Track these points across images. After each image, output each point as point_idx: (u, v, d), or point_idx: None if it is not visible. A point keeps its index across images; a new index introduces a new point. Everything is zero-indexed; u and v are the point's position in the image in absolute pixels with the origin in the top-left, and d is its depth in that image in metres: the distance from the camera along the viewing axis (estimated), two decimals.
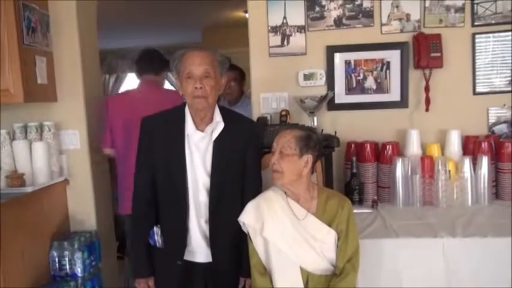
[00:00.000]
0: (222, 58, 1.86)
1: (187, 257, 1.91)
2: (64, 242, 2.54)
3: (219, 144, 1.85)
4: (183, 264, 1.90)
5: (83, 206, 2.77)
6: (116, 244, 3.24)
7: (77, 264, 2.53)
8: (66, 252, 2.52)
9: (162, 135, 1.87)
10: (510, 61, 2.66)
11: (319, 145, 1.85)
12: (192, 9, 5.07)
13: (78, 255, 2.53)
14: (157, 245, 1.93)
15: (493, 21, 2.64)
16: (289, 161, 1.76)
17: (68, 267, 2.53)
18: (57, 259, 2.53)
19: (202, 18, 5.60)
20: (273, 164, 1.78)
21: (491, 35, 2.65)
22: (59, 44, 2.67)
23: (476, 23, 2.65)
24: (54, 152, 2.63)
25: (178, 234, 1.89)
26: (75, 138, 2.74)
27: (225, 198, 1.87)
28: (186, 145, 1.85)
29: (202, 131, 1.85)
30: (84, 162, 2.77)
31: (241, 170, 1.91)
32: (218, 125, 1.86)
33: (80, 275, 2.54)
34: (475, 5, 2.64)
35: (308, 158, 1.79)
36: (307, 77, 2.71)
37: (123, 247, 3.34)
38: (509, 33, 2.64)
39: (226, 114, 1.90)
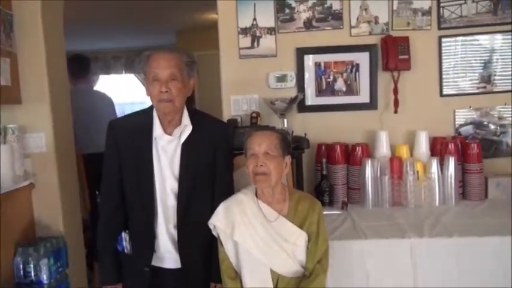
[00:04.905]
0: (189, 60, 1.82)
1: (156, 262, 1.88)
2: (29, 248, 2.46)
3: (187, 148, 1.82)
4: (152, 271, 1.86)
5: (49, 211, 2.70)
6: (84, 249, 3.16)
7: (43, 271, 2.46)
8: (31, 259, 2.44)
9: (129, 138, 1.83)
10: (476, 64, 2.72)
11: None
12: (165, 11, 5.04)
13: (44, 261, 2.46)
14: (126, 251, 1.90)
15: (460, 25, 2.69)
16: (276, 162, 1.75)
17: (33, 274, 2.45)
18: (21, 266, 2.44)
19: (176, 20, 5.57)
20: (260, 166, 1.74)
21: (457, 38, 2.70)
22: (23, 44, 2.60)
23: (442, 26, 2.70)
24: (19, 155, 2.55)
25: (146, 240, 1.86)
26: (41, 141, 2.66)
27: (194, 203, 1.84)
28: (153, 149, 1.82)
29: (170, 134, 1.82)
30: (51, 166, 2.69)
31: (212, 174, 1.88)
32: (186, 128, 1.83)
33: (45, 282, 2.47)
34: (441, 9, 2.69)
35: (287, 159, 1.80)
36: (278, 79, 2.71)
37: (92, 254, 3.27)
38: (475, 36, 2.70)
39: (196, 116, 1.87)
